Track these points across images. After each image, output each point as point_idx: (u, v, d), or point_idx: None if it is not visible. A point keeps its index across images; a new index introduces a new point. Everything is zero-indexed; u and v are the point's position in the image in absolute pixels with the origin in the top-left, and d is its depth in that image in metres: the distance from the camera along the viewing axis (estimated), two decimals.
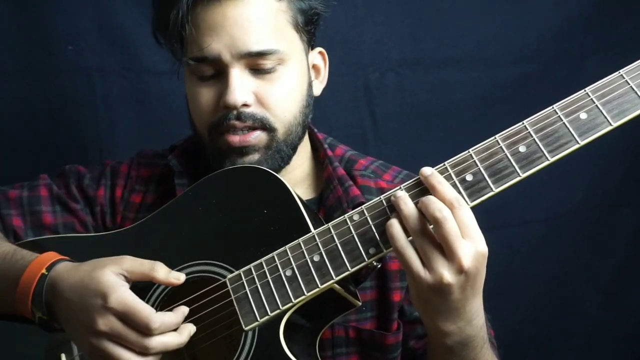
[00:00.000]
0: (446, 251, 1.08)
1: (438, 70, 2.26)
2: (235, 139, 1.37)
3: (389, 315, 1.43)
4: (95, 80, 2.11)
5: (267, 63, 1.36)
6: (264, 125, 1.38)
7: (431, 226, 1.11)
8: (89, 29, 2.08)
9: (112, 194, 1.52)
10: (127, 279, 1.18)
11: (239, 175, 1.32)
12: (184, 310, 1.20)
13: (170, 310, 1.22)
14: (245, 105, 1.36)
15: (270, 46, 1.36)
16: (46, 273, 1.22)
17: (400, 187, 1.17)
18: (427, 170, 1.15)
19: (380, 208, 1.17)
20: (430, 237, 1.10)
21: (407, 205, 1.12)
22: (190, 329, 1.20)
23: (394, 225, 1.13)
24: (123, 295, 1.14)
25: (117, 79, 2.12)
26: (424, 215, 1.10)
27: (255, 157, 1.38)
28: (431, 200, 1.10)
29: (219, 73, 1.37)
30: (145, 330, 1.13)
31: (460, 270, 1.07)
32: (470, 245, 1.08)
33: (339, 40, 2.20)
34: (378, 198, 1.18)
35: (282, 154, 1.41)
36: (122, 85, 2.13)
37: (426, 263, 1.10)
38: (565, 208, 2.36)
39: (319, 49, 1.55)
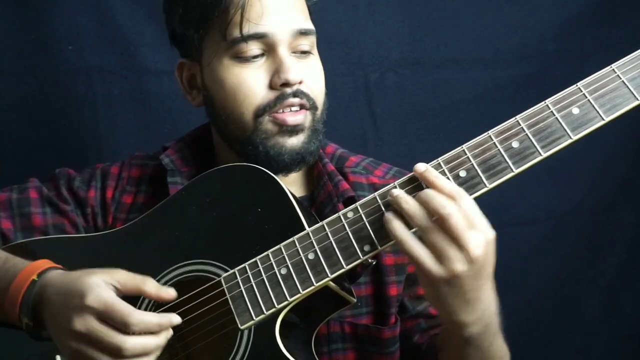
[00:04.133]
0: (457, 244, 1.06)
1: (438, 70, 2.26)
2: (291, 117, 1.37)
3: (385, 309, 1.42)
4: (95, 80, 2.11)
5: (307, 44, 1.40)
6: (312, 105, 1.40)
7: (433, 218, 1.08)
8: (89, 29, 2.08)
9: (102, 195, 1.51)
10: (118, 290, 1.16)
11: (232, 174, 1.32)
12: (171, 316, 1.17)
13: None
14: (300, 82, 1.37)
15: (311, 26, 1.42)
16: (36, 279, 1.21)
17: (394, 185, 1.16)
18: (421, 167, 1.13)
19: (374, 205, 1.17)
20: (440, 230, 1.07)
21: (409, 203, 1.10)
22: (168, 333, 1.16)
23: (397, 227, 1.11)
24: (102, 294, 1.12)
25: (117, 79, 2.12)
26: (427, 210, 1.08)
27: (301, 137, 1.39)
28: (431, 196, 1.08)
29: (266, 52, 1.38)
30: (123, 328, 1.11)
31: (471, 260, 1.06)
32: (479, 234, 1.07)
33: (339, 40, 2.20)
34: (372, 195, 1.17)
35: (320, 135, 1.43)
36: (122, 85, 2.13)
37: (438, 257, 1.07)
38: (565, 208, 2.35)
39: None
